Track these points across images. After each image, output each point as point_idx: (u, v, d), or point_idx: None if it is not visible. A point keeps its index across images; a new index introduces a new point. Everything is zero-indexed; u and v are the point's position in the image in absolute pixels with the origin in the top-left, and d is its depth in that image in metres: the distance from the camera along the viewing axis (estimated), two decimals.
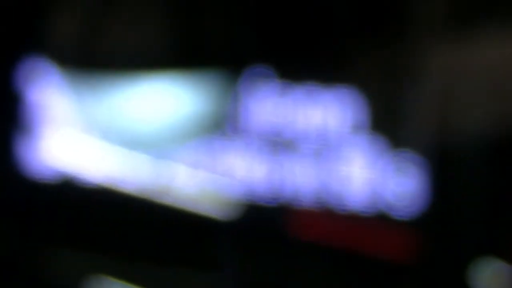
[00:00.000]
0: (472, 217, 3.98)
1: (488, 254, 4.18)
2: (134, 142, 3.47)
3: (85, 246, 5.46)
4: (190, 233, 5.19)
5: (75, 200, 5.41)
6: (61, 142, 5.39)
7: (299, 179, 4.90)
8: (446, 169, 3.96)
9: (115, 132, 3.34)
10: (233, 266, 5.14)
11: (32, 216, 5.66)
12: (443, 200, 4.04)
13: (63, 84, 3.27)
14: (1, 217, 5.71)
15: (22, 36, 5.05)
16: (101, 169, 5.20)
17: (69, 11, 3.25)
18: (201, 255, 5.19)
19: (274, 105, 4.86)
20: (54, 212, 5.50)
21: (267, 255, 5.01)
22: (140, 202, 5.17)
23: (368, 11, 4.40)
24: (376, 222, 4.67)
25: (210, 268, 5.18)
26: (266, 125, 4.87)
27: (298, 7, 4.81)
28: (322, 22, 4.83)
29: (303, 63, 4.77)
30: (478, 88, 3.86)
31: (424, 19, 4.04)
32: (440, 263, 4.13)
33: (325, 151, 4.82)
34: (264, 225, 5.02)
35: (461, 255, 4.07)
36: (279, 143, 4.89)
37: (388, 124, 4.58)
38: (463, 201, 4.01)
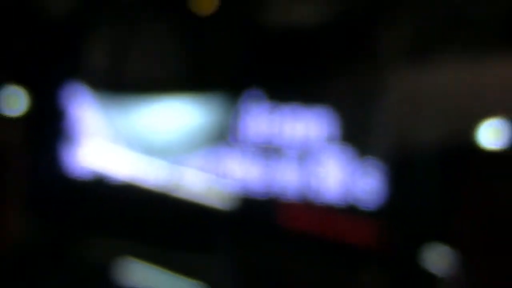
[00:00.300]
0: (423, 210, 3.99)
1: (436, 240, 4.18)
2: (153, 150, 3.45)
3: (114, 233, 5.45)
4: (197, 222, 5.20)
5: (106, 195, 5.40)
6: (95, 149, 5.40)
7: (286, 179, 4.93)
8: (402, 171, 4.00)
9: (138, 142, 3.32)
10: (232, 248, 5.13)
11: (72, 208, 5.61)
12: (399, 196, 4.06)
13: (96, 103, 3.25)
14: (46, 209, 5.69)
15: (65, 66, 5.06)
16: (126, 170, 5.21)
17: (100, 46, 3.24)
18: (207, 240, 5.20)
19: (266, 121, 4.88)
20: (89, 205, 5.49)
21: (260, 239, 5.03)
22: (158, 197, 5.18)
23: (341, 47, 4.39)
24: (347, 213, 4.70)
25: (213, 250, 5.19)
26: (259, 136, 4.90)
27: (284, 45, 4.83)
28: (303, 56, 4.85)
29: (288, 87, 4.79)
30: (429, 108, 3.87)
31: (387, 51, 4.05)
32: (397, 246, 4.14)
33: (306, 156, 4.86)
34: (258, 215, 5.04)
35: (414, 240, 4.07)
36: (270, 150, 4.93)
37: (356, 136, 4.61)
38: (415, 197, 4.03)
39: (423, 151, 3.94)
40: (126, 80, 3.22)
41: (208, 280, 5.44)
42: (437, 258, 4.22)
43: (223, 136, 3.37)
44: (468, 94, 4.03)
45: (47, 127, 5.59)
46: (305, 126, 4.85)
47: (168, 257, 5.31)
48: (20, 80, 5.89)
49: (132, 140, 3.36)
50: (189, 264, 5.40)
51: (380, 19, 3.94)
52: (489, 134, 4.17)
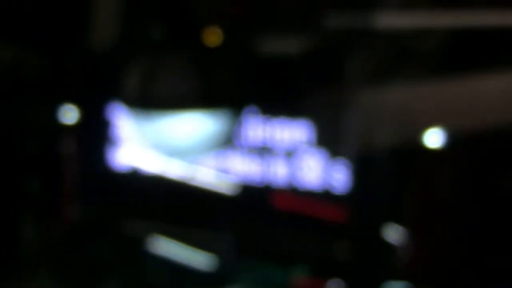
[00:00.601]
0: (380, 196, 3.95)
1: (390, 218, 4.20)
2: (175, 152, 3.43)
3: (145, 214, 5.46)
4: (209, 205, 5.20)
5: (139, 186, 5.43)
6: (131, 151, 5.44)
7: (276, 172, 4.94)
8: (364, 167, 3.94)
9: (163, 146, 3.30)
10: (235, 224, 5.15)
11: (113, 196, 5.63)
12: (362, 185, 4.03)
13: (131, 116, 3.25)
14: (94, 196, 5.72)
15: (108, 88, 5.10)
16: (155, 167, 5.24)
17: (134, 72, 3.21)
18: (215, 219, 5.21)
19: (260, 129, 4.91)
20: (127, 193, 5.50)
21: (256, 217, 5.06)
22: (179, 187, 5.19)
23: (316, 73, 4.37)
24: (322, 198, 4.70)
25: (220, 226, 5.22)
26: (256, 141, 4.93)
27: (274, 71, 4.88)
28: (288, 80, 4.85)
29: (277, 104, 4.82)
30: (385, 119, 3.83)
31: (352, 76, 4.00)
32: (362, 224, 4.12)
33: (291, 156, 4.86)
34: (255, 199, 5.06)
35: (373, 218, 4.06)
36: (264, 151, 4.95)
37: (329, 141, 4.60)
38: (374, 187, 3.99)
39: (381, 152, 3.91)
40: (154, 99, 3.18)
41: (216, 250, 5.48)
42: (391, 231, 4.24)
43: (229, 141, 3.36)
44: (415, 109, 4.02)
45: (94, 134, 5.65)
46: (290, 133, 4.86)
47: (186, 233, 5.34)
48: (73, 99, 5.95)
49: (159, 144, 3.34)
50: (201, 238, 5.42)
51: (347, 52, 3.91)
52: (430, 139, 4.19)
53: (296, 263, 5.36)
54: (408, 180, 4.30)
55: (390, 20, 3.79)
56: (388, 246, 4.20)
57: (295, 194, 4.87)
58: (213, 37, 3.45)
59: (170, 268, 5.81)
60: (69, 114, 6.07)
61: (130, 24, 5.63)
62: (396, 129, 3.93)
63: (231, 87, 3.20)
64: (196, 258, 5.66)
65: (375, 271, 4.12)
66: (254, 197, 5.04)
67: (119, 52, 5.34)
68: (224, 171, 5.10)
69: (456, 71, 3.95)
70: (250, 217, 5.05)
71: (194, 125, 3.12)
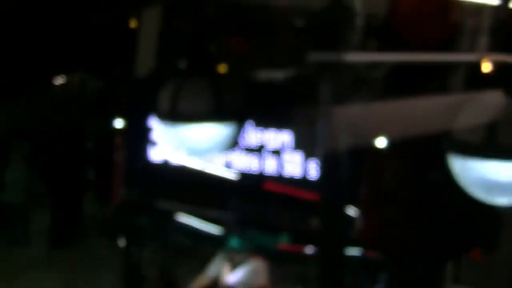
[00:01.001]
0: (342, 184, 3.80)
1: (351, 201, 4.16)
2: (194, 151, 3.35)
3: (174, 196, 5.44)
4: (218, 188, 5.21)
5: (171, 175, 5.41)
6: (163, 150, 5.46)
7: (267, 166, 4.96)
8: (330, 163, 3.86)
9: (186, 147, 3.23)
10: (237, 203, 5.14)
11: (152, 182, 5.57)
12: (329, 176, 3.94)
13: (164, 125, 3.17)
14: (138, 183, 5.69)
15: (147, 104, 5.09)
16: (180, 161, 5.26)
17: (165, 93, 3.11)
18: (223, 199, 5.20)
19: (256, 137, 4.94)
20: (162, 180, 5.49)
21: (252, 198, 5.07)
22: (198, 175, 5.21)
23: (298, 96, 4.32)
24: (301, 184, 4.72)
25: (226, 204, 5.23)
26: (253, 144, 4.96)
27: (265, 95, 4.88)
28: (276, 101, 4.89)
29: (268, 119, 4.84)
30: (347, 129, 3.75)
31: (324, 96, 3.92)
32: (329, 204, 3.95)
33: (278, 155, 4.89)
34: (251, 185, 5.08)
35: (338, 199, 3.89)
36: (260, 151, 4.97)
37: (305, 145, 4.62)
38: (338, 177, 3.88)
39: (342, 152, 3.81)
40: (179, 113, 3.15)
41: (223, 222, 5.46)
42: (350, 209, 4.19)
43: (234, 144, 3.33)
44: (367, 122, 3.99)
45: (137, 137, 5.66)
46: (277, 139, 4.92)
47: (201, 209, 5.36)
48: (122, 112, 5.99)
49: (182, 145, 3.31)
50: (212, 213, 5.43)
51: (319, 80, 3.83)
52: (377, 143, 4.21)
53: (281, 233, 5.43)
54: (361, 172, 4.28)
55: (351, 57, 3.75)
56: (348, 220, 4.14)
57: (281, 181, 4.91)
58: (222, 67, 3.42)
59: (190, 234, 5.87)
60: (119, 123, 6.15)
61: (164, 58, 5.66)
62: (353, 136, 3.84)
63: (235, 105, 3.10)
64: (209, 228, 5.75)
65: (338, 239, 3.96)
66: (251, 184, 5.04)
67: (155, 78, 5.39)
68: (230, 165, 5.11)
69: (397, 94, 3.94)
70: (247, 198, 5.07)
71: (208, 132, 3.06)
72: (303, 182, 4.73)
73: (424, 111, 3.81)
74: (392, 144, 4.20)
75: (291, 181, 4.83)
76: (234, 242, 5.44)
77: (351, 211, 4.25)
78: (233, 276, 5.27)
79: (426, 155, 3.85)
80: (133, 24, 5.91)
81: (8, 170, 11.00)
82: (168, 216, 5.67)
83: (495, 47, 3.61)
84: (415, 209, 4.24)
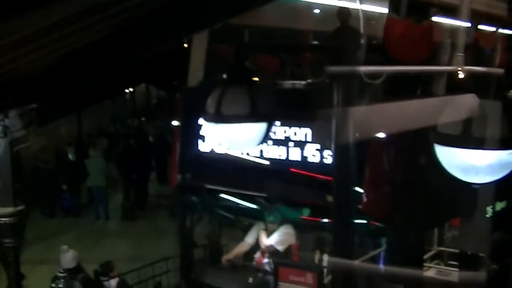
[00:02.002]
0: (351, 167, 3.72)
1: (359, 181, 4.09)
2: (236, 144, 3.21)
3: (220, 179, 5.31)
4: (255, 173, 5.08)
5: (217, 161, 5.29)
6: (211, 142, 5.44)
7: (292, 155, 4.86)
8: (342, 152, 3.74)
9: (229, 140, 3.09)
10: (269, 184, 5.07)
11: (202, 167, 5.41)
12: (341, 162, 3.79)
13: (210, 125, 3.01)
14: (190, 169, 5.55)
15: (198, 106, 5.05)
16: (225, 151, 5.25)
17: (212, 98, 3.07)
18: (258, 181, 5.09)
19: (283, 132, 4.91)
20: (210, 165, 5.40)
21: (281, 180, 4.92)
22: (239, 162, 5.10)
23: (318, 100, 4.22)
24: (321, 169, 4.63)
25: (261, 185, 5.09)
26: (281, 138, 4.93)
27: (291, 100, 4.85)
28: (299, 105, 4.84)
29: (292, 119, 4.79)
30: (355, 126, 3.68)
31: (337, 100, 3.80)
32: (341, 183, 3.85)
33: (301, 146, 4.81)
34: (281, 169, 4.94)
35: (349, 181, 3.82)
36: (286, 143, 4.89)
37: (323, 139, 4.57)
38: (348, 162, 3.73)
39: (350, 144, 3.69)
40: (222, 115, 3.09)
41: (259, 198, 5.36)
42: (358, 187, 4.10)
43: (266, 138, 3.23)
44: (369, 119, 3.99)
45: (191, 133, 5.66)
46: (300, 134, 4.83)
47: (241, 188, 5.21)
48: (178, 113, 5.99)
49: (226, 139, 3.23)
50: (251, 195, 5.29)
51: (333, 87, 3.73)
52: (377, 135, 4.21)
53: (304, 207, 5.39)
54: (366, 159, 4.25)
55: (357, 69, 3.67)
56: (355, 197, 4.02)
57: (303, 167, 4.78)
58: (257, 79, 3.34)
59: (232, 209, 5.73)
60: (176, 123, 6.14)
61: (211, 71, 5.66)
62: (359, 130, 3.75)
63: (266, 108, 3.00)
64: (247, 204, 5.55)
65: (348, 212, 3.84)
66: (280, 169, 4.92)
67: (204, 88, 5.39)
68: (262, 154, 5.03)
69: (393, 97, 3.89)
70: (277, 180, 4.93)
71: (245, 130, 2.98)
72: (320, 167, 4.66)
73: (414, 110, 3.79)
74: (389, 136, 4.16)
75: (311, 166, 4.76)
76: (267, 215, 5.49)
77: (358, 189, 4.16)
78: (270, 239, 5.33)
79: (416, 144, 3.79)
80: (186, 45, 5.95)
81: (90, 161, 11.22)
82: (215, 195, 5.61)
83: (467, 60, 3.56)
84: (408, 187, 4.22)
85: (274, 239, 5.41)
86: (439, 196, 4.15)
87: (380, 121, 4.00)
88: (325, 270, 4.99)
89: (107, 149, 13.82)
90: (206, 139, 5.43)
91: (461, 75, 3.37)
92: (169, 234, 7.63)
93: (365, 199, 4.28)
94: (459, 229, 5.04)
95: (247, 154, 5.10)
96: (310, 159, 4.78)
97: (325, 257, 5.25)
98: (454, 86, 3.53)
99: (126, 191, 11.66)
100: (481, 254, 4.71)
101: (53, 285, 5.82)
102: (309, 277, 4.72)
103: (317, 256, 5.41)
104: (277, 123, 4.76)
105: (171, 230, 7.22)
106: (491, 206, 4.61)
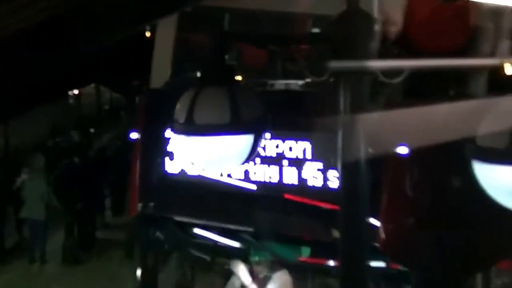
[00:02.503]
0: (363, 193, 3.75)
1: (372, 210, 4.04)
2: (211, 163, 3.25)
3: (191, 208, 5.41)
4: (237, 200, 5.19)
5: (185, 185, 5.39)
6: (179, 162, 5.47)
7: (287, 176, 4.95)
8: (351, 173, 3.79)
9: (203, 159, 3.13)
10: (257, 214, 5.12)
11: (165, 192, 5.57)
12: (349, 185, 3.89)
13: (179, 138, 3.07)
14: (151, 191, 5.69)
15: (164, 121, 5.12)
16: (197, 173, 5.26)
17: (180, 108, 3.07)
18: (242, 210, 5.19)
19: (275, 147, 4.95)
20: (175, 190, 5.48)
21: (273, 211, 5.02)
22: (215, 187, 5.20)
23: (315, 107, 4.27)
24: (322, 193, 4.68)
25: (245, 216, 5.18)
26: (272, 154, 4.96)
27: (285, 106, 4.85)
28: (295, 112, 4.86)
29: (286, 129, 4.86)
30: (366, 138, 3.73)
31: (343, 105, 3.87)
32: (350, 213, 3.69)
33: (298, 164, 4.88)
34: (271, 195, 5.04)
35: (360, 210, 3.85)
36: (279, 161, 4.97)
37: (326, 156, 4.60)
38: (359, 186, 3.83)
39: (364, 160, 3.79)
40: (195, 126, 3.09)
41: (242, 233, 5.41)
42: (371, 218, 4.11)
43: (252, 155, 3.24)
44: (385, 130, 3.96)
45: (153, 149, 5.66)
46: (297, 149, 4.89)
47: (219, 220, 5.30)
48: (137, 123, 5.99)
49: (199, 157, 3.24)
50: (233, 228, 5.39)
51: (338, 88, 3.78)
52: (396, 151, 4.17)
53: (302, 245, 5.36)
54: (382, 181, 4.25)
55: (369, 64, 3.69)
56: (370, 230, 3.81)
57: (301, 192, 4.82)
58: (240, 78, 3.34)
59: (208, 247, 5.83)
60: (135, 135, 6.16)
61: (180, 68, 5.68)
62: (373, 144, 3.62)
63: (253, 115, 3.02)
64: (227, 241, 5.69)
65: (360, 251, 3.95)
66: (272, 194, 4.96)
67: (172, 88, 5.40)
68: (248, 175, 5.06)
69: (417, 100, 3.90)
70: (267, 209, 4.96)
71: (226, 143, 2.98)
72: (323, 192, 4.69)
73: (445, 117, 3.79)
74: (413, 152, 4.16)
75: (311, 191, 4.78)
76: (253, 255, 5.46)
77: (373, 222, 4.09)
78: None
79: (448, 162, 3.82)
80: (148, 35, 5.97)
81: (27, 185, 10.99)
82: (186, 230, 5.64)
83: None
84: (438, 218, 4.19)
85: None
86: (480, 230, 4.12)
87: (400, 132, 3.98)
88: None
89: (43, 169, 13.62)
90: (174, 156, 5.45)
91: (508, 70, 3.36)
92: (124, 282, 7.59)
93: (382, 235, 4.29)
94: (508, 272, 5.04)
95: (228, 176, 5.11)
96: (310, 182, 4.80)
97: None
98: (499, 85, 3.55)
99: (69, 226, 11.51)
100: None
101: None
102: None
103: None
104: (267, 135, 4.67)
105: (127, 277, 7.18)
106: None
